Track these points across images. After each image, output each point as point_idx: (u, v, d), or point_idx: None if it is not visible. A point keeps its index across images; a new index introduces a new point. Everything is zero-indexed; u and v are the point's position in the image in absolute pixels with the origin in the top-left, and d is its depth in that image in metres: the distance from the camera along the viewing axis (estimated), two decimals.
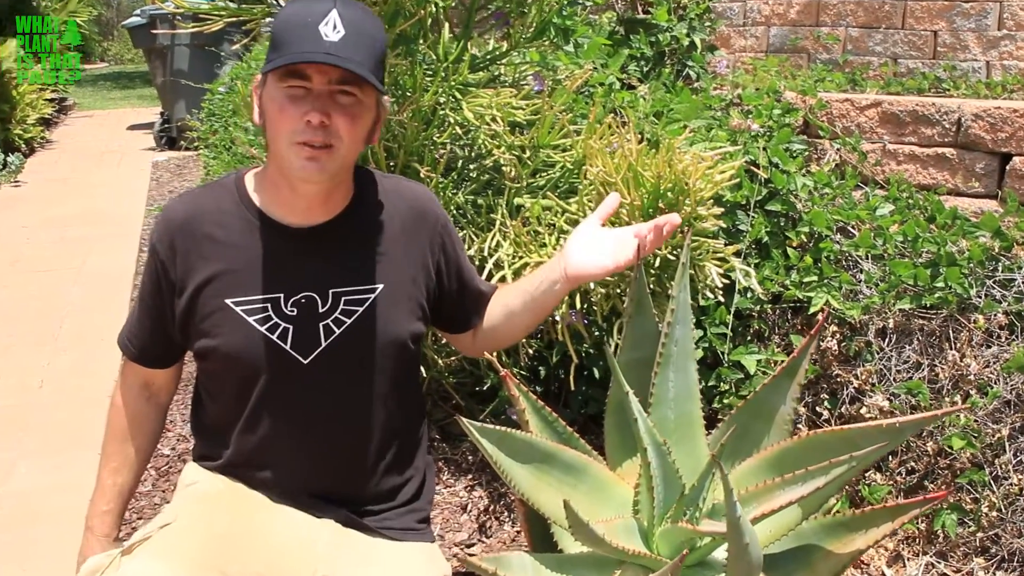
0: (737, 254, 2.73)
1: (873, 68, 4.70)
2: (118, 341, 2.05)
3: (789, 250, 3.04)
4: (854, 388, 2.95)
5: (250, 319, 1.86)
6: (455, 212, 3.13)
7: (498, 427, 1.90)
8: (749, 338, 3.12)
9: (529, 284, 2.09)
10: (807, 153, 3.23)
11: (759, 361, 3.02)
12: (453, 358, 3.32)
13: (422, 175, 3.02)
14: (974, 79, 4.16)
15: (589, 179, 2.67)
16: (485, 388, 3.36)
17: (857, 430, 2.06)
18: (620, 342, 2.23)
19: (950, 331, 2.88)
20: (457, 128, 3.13)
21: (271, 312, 1.87)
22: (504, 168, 3.08)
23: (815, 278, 3.01)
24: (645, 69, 3.63)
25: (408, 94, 3.09)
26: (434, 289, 2.04)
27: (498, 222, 3.04)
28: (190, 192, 1.98)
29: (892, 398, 2.89)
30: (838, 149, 3.24)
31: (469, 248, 3.07)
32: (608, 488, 2.17)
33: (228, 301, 1.86)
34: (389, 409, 2.00)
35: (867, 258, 3.00)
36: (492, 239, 3.02)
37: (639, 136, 2.86)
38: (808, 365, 2.29)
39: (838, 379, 2.98)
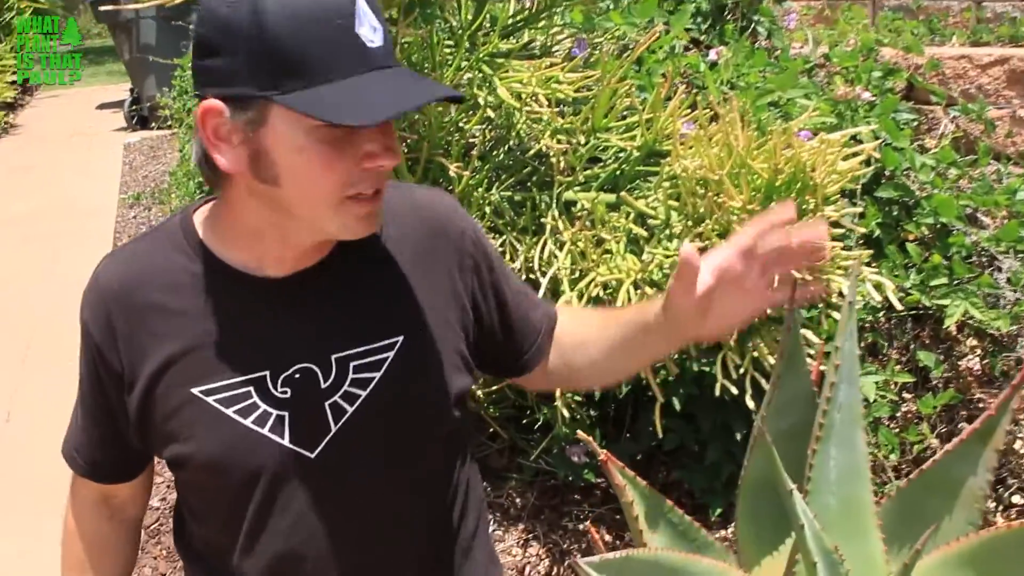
0: (869, 262, 2.15)
1: (953, 14, 4.10)
2: (62, 451, 1.54)
3: (908, 246, 2.45)
4: None
5: (228, 411, 1.36)
6: (491, 214, 2.54)
7: (617, 554, 1.39)
8: (861, 354, 2.54)
9: (636, 329, 1.52)
10: (916, 124, 2.65)
11: (877, 384, 2.44)
12: (494, 386, 2.74)
13: (451, 171, 2.43)
14: None
15: (678, 173, 2.07)
16: (535, 421, 2.78)
17: None
18: (763, 409, 1.67)
19: None
20: (489, 111, 2.53)
21: (256, 398, 1.37)
22: (552, 158, 2.48)
23: (945, 280, 2.42)
24: (704, 26, 3.03)
25: (427, 71, 2.48)
26: (473, 327, 1.51)
27: (548, 226, 2.45)
28: (125, 248, 1.46)
29: None
30: (954, 118, 2.66)
31: (513, 260, 2.48)
32: None
33: (195, 391, 1.36)
34: (437, 499, 1.52)
35: (1009, 253, 2.42)
36: (543, 248, 2.43)
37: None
38: (1006, 424, 1.71)
39: (980, 405, 2.41)
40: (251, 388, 1.36)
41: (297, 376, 1.37)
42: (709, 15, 3.05)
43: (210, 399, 1.35)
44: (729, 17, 3.06)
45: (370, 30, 1.19)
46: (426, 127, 2.45)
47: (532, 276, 2.43)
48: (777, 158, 1.88)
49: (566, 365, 1.61)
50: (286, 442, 1.37)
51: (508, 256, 2.50)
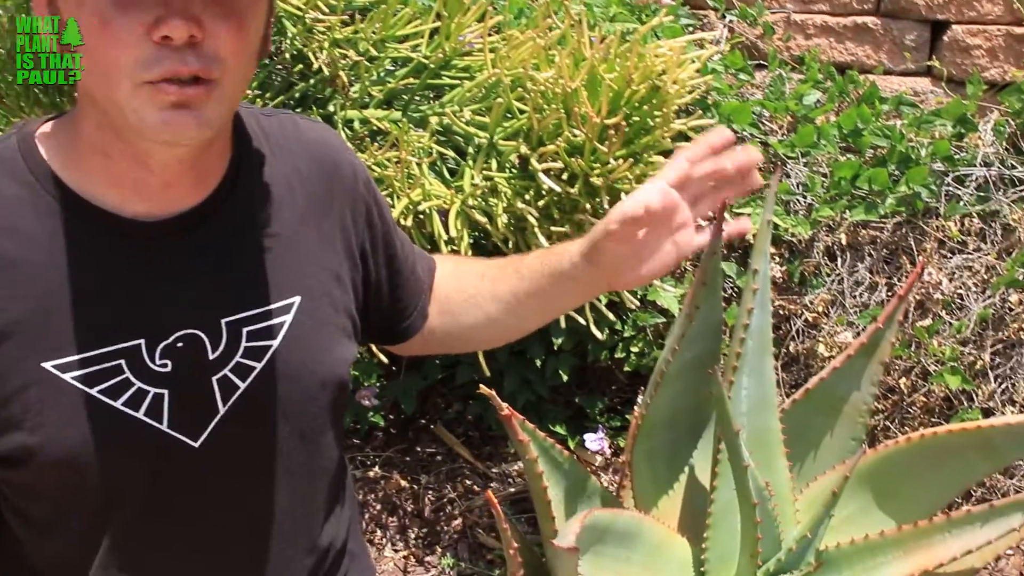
0: None
1: None
2: None
3: None
4: (804, 321, 2.41)
5: (93, 391, 1.08)
6: None
7: (582, 520, 1.32)
8: None
9: (548, 280, 1.34)
10: (692, 29, 2.59)
11: (680, 297, 2.40)
12: None
13: None
14: None
15: (530, 88, 1.87)
16: None
17: (1000, 428, 1.55)
18: (674, 342, 1.56)
19: (910, 241, 2.39)
20: None
21: (129, 373, 1.10)
22: (336, 73, 2.21)
23: None
24: None
25: None
26: (360, 286, 1.30)
27: None
28: None
29: (848, 327, 2.38)
30: (730, 23, 2.63)
31: None
32: (664, 549, 1.62)
33: (48, 365, 1.07)
34: (333, 484, 1.31)
35: (797, 159, 2.43)
36: None
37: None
38: (891, 337, 1.71)
39: (780, 312, 2.42)
40: (122, 361, 1.09)
41: (180, 345, 1.11)
42: None
43: (67, 376, 1.07)
44: None
45: None
46: None
47: None
48: (629, 67, 1.73)
49: (456, 324, 1.41)
50: (164, 427, 1.10)
51: None
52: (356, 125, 2.28)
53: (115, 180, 1.08)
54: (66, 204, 1.08)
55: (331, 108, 2.29)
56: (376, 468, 2.58)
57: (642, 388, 2.45)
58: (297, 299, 1.18)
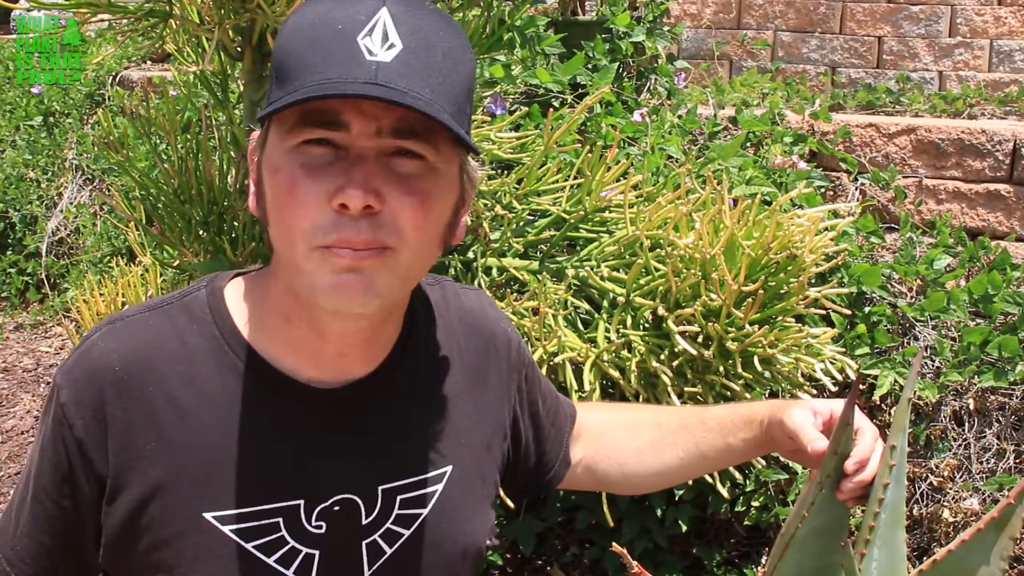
0: (834, 339, 2.11)
1: (810, 77, 4.21)
2: None
3: (833, 315, 2.44)
4: (930, 485, 2.40)
5: (249, 545, 1.11)
6: None
7: None
8: None
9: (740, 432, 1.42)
10: (824, 191, 2.66)
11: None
12: None
13: None
14: (927, 91, 3.73)
15: (669, 252, 1.95)
16: None
17: None
18: (804, 508, 1.58)
19: None
20: None
21: (285, 532, 1.12)
22: (480, 223, 2.33)
23: (867, 350, 2.43)
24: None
25: None
26: (508, 452, 1.33)
27: None
28: (131, 319, 1.14)
29: (974, 493, 2.36)
30: (861, 185, 2.69)
31: None
32: None
33: (209, 516, 1.10)
34: None
35: (926, 322, 2.45)
36: None
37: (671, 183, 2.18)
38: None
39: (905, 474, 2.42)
40: (280, 519, 1.12)
41: (336, 509, 1.14)
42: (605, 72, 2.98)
43: (226, 528, 1.09)
44: (624, 75, 3.00)
45: (380, 42, 0.99)
46: None
47: None
48: (768, 236, 1.81)
49: (624, 475, 1.45)
50: None
51: None
52: (495, 272, 2.39)
53: (293, 345, 1.12)
54: (246, 362, 1.11)
55: (471, 255, 2.40)
56: None
57: (766, 549, 2.46)
58: (449, 468, 1.21)
